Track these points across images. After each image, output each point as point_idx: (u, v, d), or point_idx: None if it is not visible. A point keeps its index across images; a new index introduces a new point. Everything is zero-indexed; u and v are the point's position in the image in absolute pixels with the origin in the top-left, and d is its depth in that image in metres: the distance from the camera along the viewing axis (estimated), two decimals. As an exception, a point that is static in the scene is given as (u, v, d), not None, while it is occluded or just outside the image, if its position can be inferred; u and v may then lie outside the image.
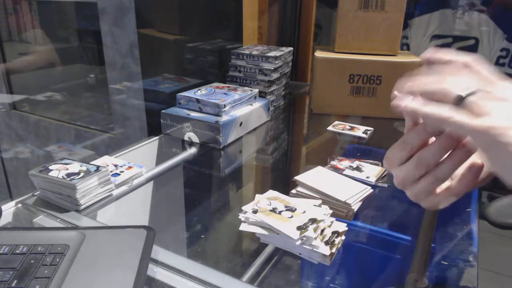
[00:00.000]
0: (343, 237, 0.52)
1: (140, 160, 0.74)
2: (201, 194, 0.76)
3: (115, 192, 0.64)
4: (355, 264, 0.58)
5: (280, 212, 0.54)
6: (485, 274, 1.49)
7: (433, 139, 0.39)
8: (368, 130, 0.96)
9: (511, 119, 0.30)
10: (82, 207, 0.58)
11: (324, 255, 0.48)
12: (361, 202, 0.62)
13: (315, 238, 0.49)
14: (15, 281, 0.40)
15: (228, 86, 0.99)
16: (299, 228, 0.50)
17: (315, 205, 0.56)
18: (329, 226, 0.53)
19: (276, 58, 1.02)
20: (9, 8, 1.23)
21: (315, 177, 0.67)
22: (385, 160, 0.41)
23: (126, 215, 0.67)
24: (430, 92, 0.35)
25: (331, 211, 0.55)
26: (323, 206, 0.57)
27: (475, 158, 0.40)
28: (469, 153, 0.37)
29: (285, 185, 0.72)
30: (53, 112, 1.22)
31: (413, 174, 0.39)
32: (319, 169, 0.71)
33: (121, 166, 0.70)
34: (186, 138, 0.88)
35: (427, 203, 0.40)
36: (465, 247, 0.55)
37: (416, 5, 1.72)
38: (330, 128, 0.98)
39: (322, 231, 0.51)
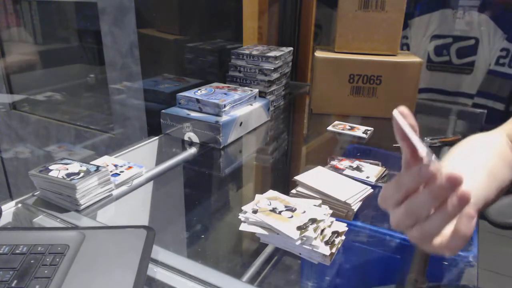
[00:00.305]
0: (343, 237, 0.52)
1: (140, 160, 0.74)
2: (201, 194, 0.76)
3: (115, 192, 0.64)
4: (355, 264, 0.58)
5: (280, 212, 0.54)
6: (485, 274, 1.49)
7: None
8: (368, 130, 0.96)
9: None
10: (82, 207, 0.58)
11: (324, 255, 0.48)
12: (361, 202, 0.62)
13: (315, 238, 0.49)
14: (15, 281, 0.40)
15: (228, 86, 0.99)
16: (299, 228, 0.50)
17: (315, 205, 0.56)
18: (329, 226, 0.53)
19: (276, 58, 1.02)
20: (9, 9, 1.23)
21: (315, 177, 0.67)
22: (380, 199, 0.38)
23: (126, 215, 0.67)
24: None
25: (331, 211, 0.55)
26: (323, 206, 0.57)
27: (468, 208, 0.36)
28: (462, 205, 0.33)
29: (285, 185, 0.72)
30: (53, 112, 1.22)
31: (405, 222, 0.36)
32: (319, 169, 0.71)
33: (121, 166, 0.70)
34: (186, 138, 0.88)
35: (426, 250, 0.37)
36: (465, 247, 0.55)
37: (416, 5, 1.72)
38: (330, 128, 0.98)
39: (322, 231, 0.51)
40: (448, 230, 0.36)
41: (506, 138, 0.54)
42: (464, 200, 0.33)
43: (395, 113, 0.35)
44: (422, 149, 0.33)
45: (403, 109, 0.36)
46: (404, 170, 0.36)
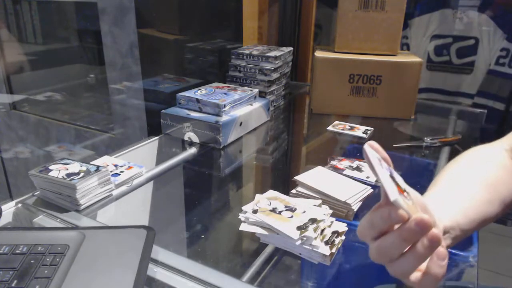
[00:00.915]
0: (343, 237, 0.52)
1: (140, 160, 0.74)
2: (201, 194, 0.76)
3: (115, 192, 0.64)
4: (355, 264, 0.58)
5: (280, 212, 0.54)
6: (485, 274, 1.49)
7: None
8: (368, 130, 0.96)
9: None
10: (82, 207, 0.58)
11: (324, 255, 0.48)
12: (361, 202, 0.62)
13: (315, 238, 0.49)
14: (15, 281, 0.40)
15: (228, 86, 0.99)
16: (299, 228, 0.50)
17: (315, 205, 0.56)
18: (329, 226, 0.53)
19: (276, 58, 1.02)
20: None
21: (315, 177, 0.67)
22: (358, 233, 0.38)
23: (126, 215, 0.67)
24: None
25: (331, 211, 0.55)
26: (323, 206, 0.57)
27: (441, 248, 0.36)
28: (433, 247, 0.33)
29: (285, 185, 0.72)
30: (53, 112, 1.22)
31: (379, 259, 0.36)
32: (319, 169, 0.71)
33: (121, 166, 0.70)
34: (186, 138, 0.88)
35: (406, 283, 0.37)
36: (465, 247, 0.55)
37: (416, 5, 1.71)
38: (330, 128, 0.98)
39: (322, 231, 0.51)
40: (415, 275, 0.36)
41: (506, 153, 0.53)
42: (435, 242, 0.33)
43: (366, 147, 0.35)
44: (391, 192, 0.32)
45: (373, 143, 0.36)
46: (382, 200, 0.36)
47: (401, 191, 0.34)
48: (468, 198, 0.45)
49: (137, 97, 0.93)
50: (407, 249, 0.35)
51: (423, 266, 0.36)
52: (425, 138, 0.89)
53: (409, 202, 0.34)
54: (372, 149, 0.35)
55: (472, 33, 1.63)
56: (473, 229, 0.44)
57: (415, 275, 0.36)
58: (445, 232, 0.41)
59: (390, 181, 0.33)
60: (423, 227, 0.32)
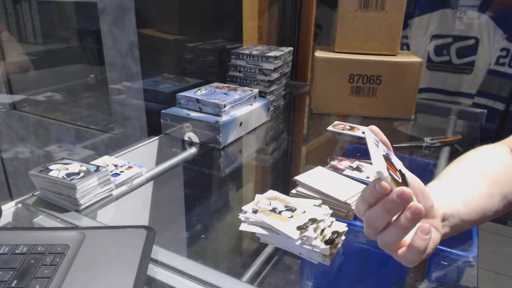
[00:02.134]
0: (343, 237, 0.52)
1: (140, 160, 0.74)
2: (201, 194, 0.76)
3: (115, 192, 0.65)
4: (355, 264, 0.58)
5: (280, 212, 0.54)
6: (485, 274, 1.50)
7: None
8: (368, 130, 0.96)
9: None
10: (82, 207, 0.58)
11: (324, 255, 0.48)
12: (361, 202, 0.62)
13: (315, 238, 0.49)
14: (15, 281, 0.40)
15: (228, 86, 0.99)
16: (299, 228, 0.50)
17: (315, 205, 0.56)
18: (329, 226, 0.53)
19: (276, 58, 1.02)
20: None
21: (315, 177, 0.67)
22: (355, 209, 0.41)
23: (126, 215, 0.68)
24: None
25: (331, 211, 0.55)
26: (323, 206, 0.57)
27: (435, 224, 0.39)
28: (415, 219, 0.35)
29: (285, 185, 0.72)
30: (53, 112, 1.22)
31: (367, 230, 0.39)
32: (319, 169, 0.71)
33: (121, 166, 0.70)
34: (186, 138, 0.88)
35: (395, 258, 0.39)
36: (465, 247, 0.55)
37: (416, 5, 1.72)
38: (330, 128, 0.98)
39: (322, 231, 0.51)
40: (402, 249, 0.38)
41: (508, 154, 0.54)
42: (416, 214, 0.35)
43: (366, 130, 0.39)
44: (377, 166, 0.35)
45: (373, 127, 0.39)
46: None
47: (394, 170, 0.37)
48: (469, 190, 0.46)
49: (137, 97, 0.93)
50: (393, 221, 0.37)
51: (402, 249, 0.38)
52: (425, 138, 0.89)
53: (399, 180, 0.37)
54: (372, 132, 0.39)
55: (472, 33, 1.63)
56: (473, 222, 0.45)
57: (402, 250, 0.38)
58: (444, 219, 0.42)
59: (380, 158, 0.36)
60: (404, 199, 0.35)
